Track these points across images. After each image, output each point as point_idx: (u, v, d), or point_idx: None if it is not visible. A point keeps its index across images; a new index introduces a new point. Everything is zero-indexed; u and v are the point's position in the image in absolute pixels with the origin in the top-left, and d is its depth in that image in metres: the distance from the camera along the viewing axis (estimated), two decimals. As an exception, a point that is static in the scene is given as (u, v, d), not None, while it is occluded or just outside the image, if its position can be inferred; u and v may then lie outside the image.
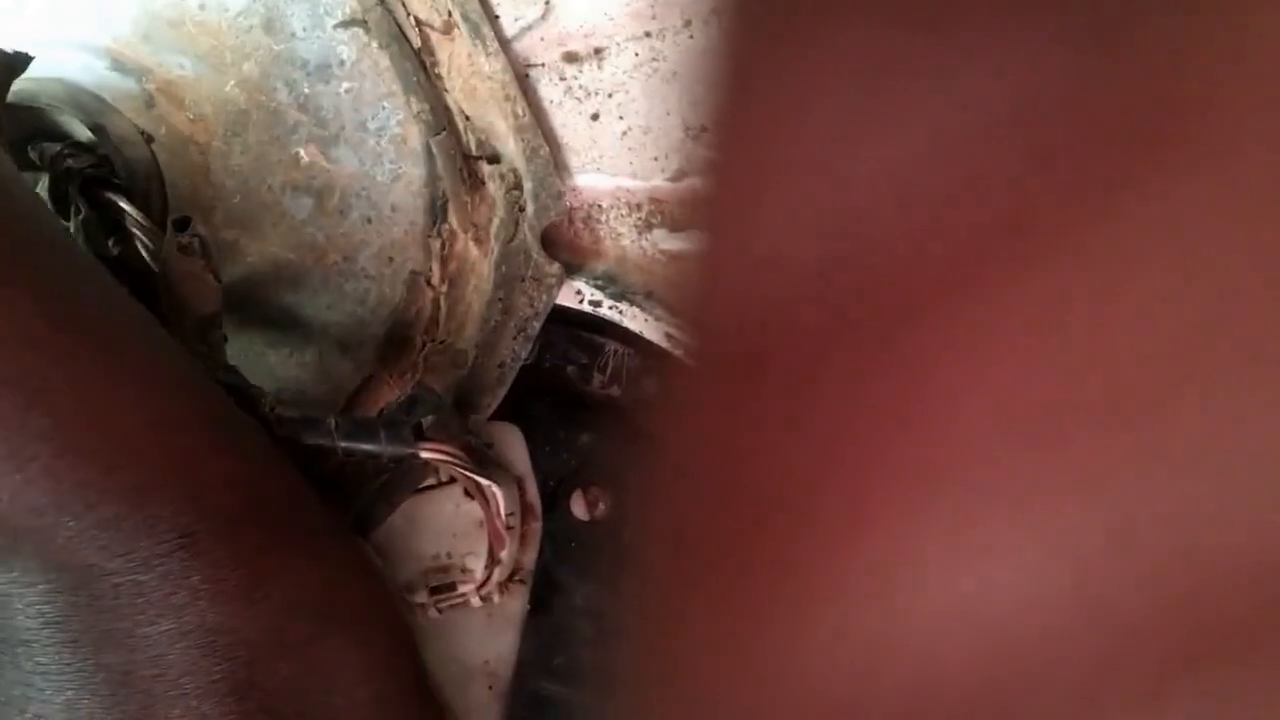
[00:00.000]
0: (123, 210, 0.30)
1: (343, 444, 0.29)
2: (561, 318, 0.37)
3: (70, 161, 0.31)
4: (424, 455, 0.30)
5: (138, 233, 0.30)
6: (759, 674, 0.12)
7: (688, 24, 0.32)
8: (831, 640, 0.12)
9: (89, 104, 0.33)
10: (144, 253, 0.30)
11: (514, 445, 0.38)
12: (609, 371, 0.38)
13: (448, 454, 0.30)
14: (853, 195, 0.12)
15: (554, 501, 0.39)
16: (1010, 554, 0.11)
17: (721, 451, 0.13)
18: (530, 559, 0.40)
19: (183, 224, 0.28)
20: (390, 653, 0.31)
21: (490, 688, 0.40)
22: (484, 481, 0.32)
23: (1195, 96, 0.10)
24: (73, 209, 0.30)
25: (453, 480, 0.34)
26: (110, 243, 0.31)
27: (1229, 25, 0.10)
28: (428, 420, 0.32)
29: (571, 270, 0.34)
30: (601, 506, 0.38)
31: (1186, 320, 0.10)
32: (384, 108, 0.33)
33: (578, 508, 0.38)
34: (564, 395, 0.39)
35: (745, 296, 0.13)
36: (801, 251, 0.12)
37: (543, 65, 0.33)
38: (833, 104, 0.12)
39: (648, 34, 0.32)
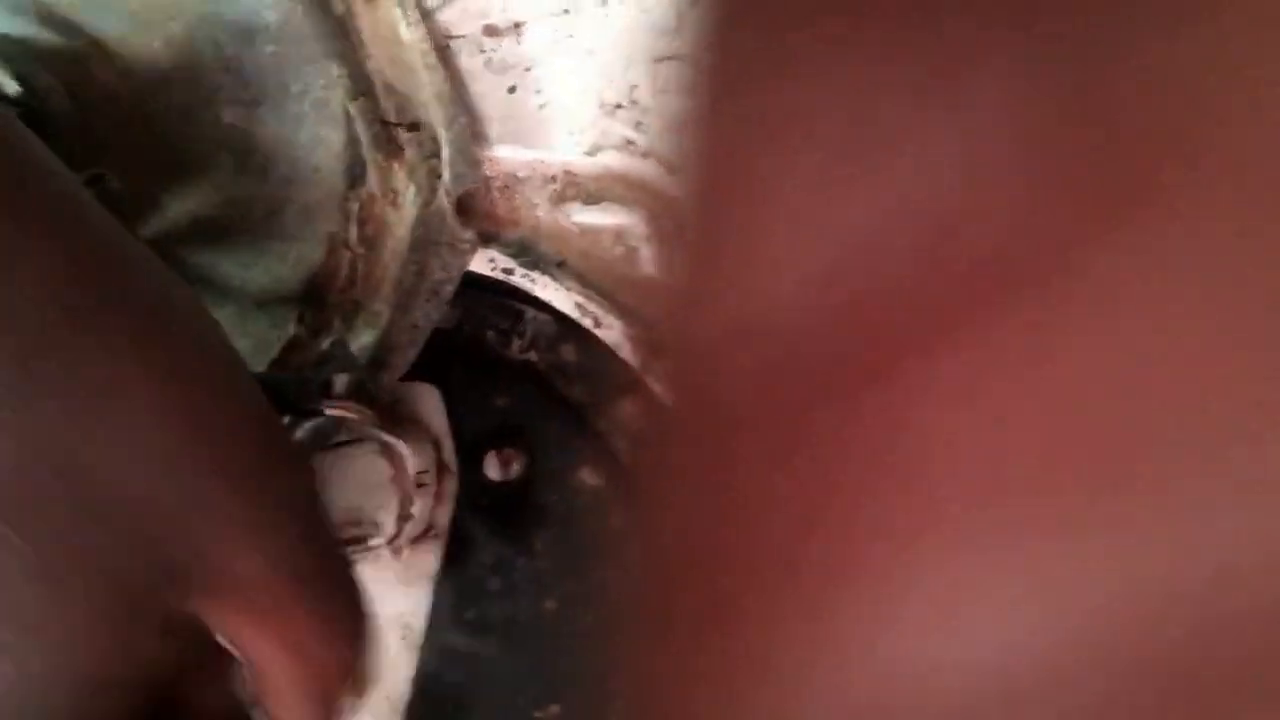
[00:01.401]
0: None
1: (253, 398, 0.30)
2: (481, 284, 0.38)
3: (-6, 112, 0.31)
4: (331, 413, 0.31)
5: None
6: None
7: (604, 2, 0.33)
8: (824, 698, 0.11)
9: (15, 55, 0.33)
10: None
11: (432, 406, 0.39)
12: (527, 337, 0.40)
13: (356, 411, 0.31)
14: (839, 237, 0.12)
15: (469, 461, 0.40)
16: (1003, 601, 0.10)
17: (701, 503, 0.13)
18: (444, 516, 0.41)
19: (94, 179, 0.29)
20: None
21: (403, 638, 0.42)
22: (391, 440, 0.33)
23: (1198, 114, 0.10)
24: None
25: (365, 439, 0.35)
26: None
27: (1230, 39, 0.10)
28: (341, 379, 0.33)
29: (486, 238, 0.35)
30: (515, 467, 0.39)
31: (1186, 356, 0.10)
32: (306, 72, 0.33)
33: (492, 468, 0.39)
34: (483, 359, 0.40)
35: (724, 340, 0.13)
36: (784, 294, 0.12)
37: (463, 37, 0.34)
38: (818, 142, 0.12)
39: (566, 11, 0.33)
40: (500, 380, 0.40)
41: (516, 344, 0.40)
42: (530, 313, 0.40)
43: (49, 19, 0.34)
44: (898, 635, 0.11)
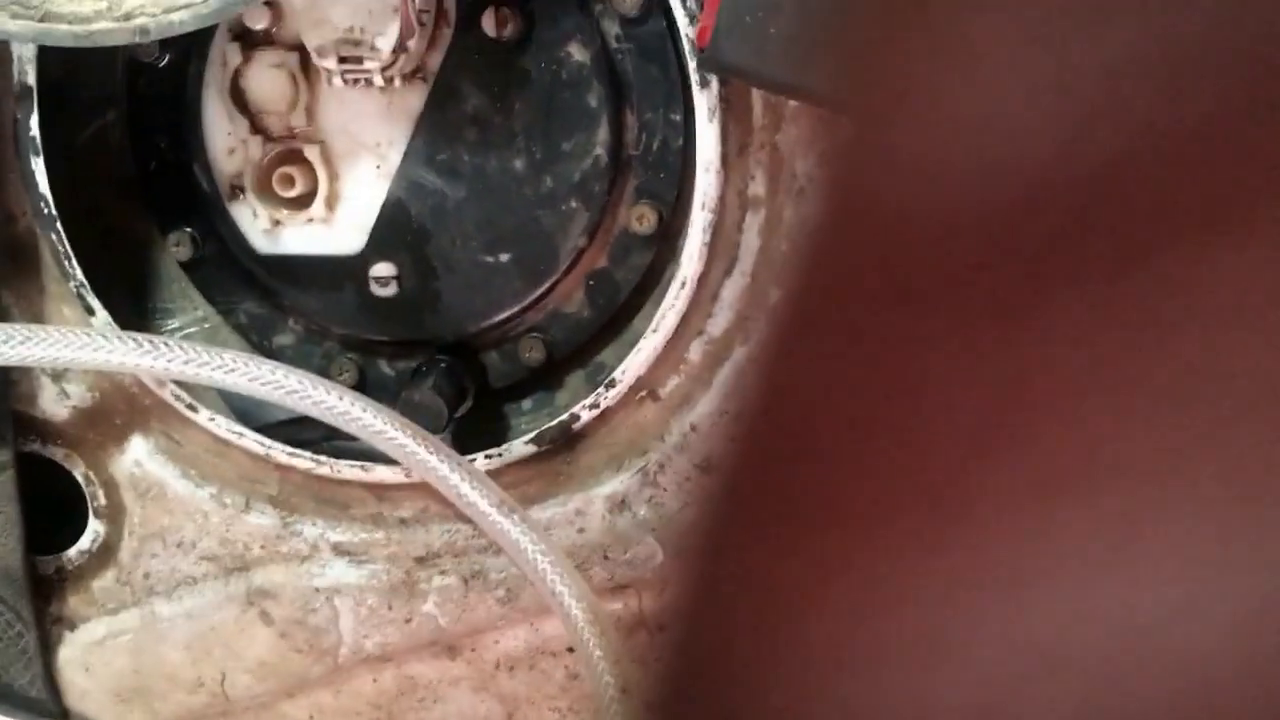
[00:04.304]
0: None
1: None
2: None
3: None
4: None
5: None
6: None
7: None
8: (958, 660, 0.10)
9: None
10: None
11: (442, -49, 0.40)
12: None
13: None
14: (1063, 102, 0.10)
15: (469, 16, 0.41)
16: (1164, 570, 0.09)
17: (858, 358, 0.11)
18: (436, 61, 0.43)
19: None
20: None
21: (378, 167, 0.45)
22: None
23: None
24: None
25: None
26: None
27: None
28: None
29: None
30: (510, 28, 0.41)
31: None
32: None
33: (488, 24, 0.41)
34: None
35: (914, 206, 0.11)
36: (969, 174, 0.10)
37: None
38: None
39: None
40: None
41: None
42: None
43: None
44: (1053, 590, 0.10)
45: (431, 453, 0.38)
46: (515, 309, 0.44)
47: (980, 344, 0.10)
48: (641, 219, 0.42)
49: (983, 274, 0.10)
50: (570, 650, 0.45)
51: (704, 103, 0.38)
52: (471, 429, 0.46)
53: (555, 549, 0.39)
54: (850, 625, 0.11)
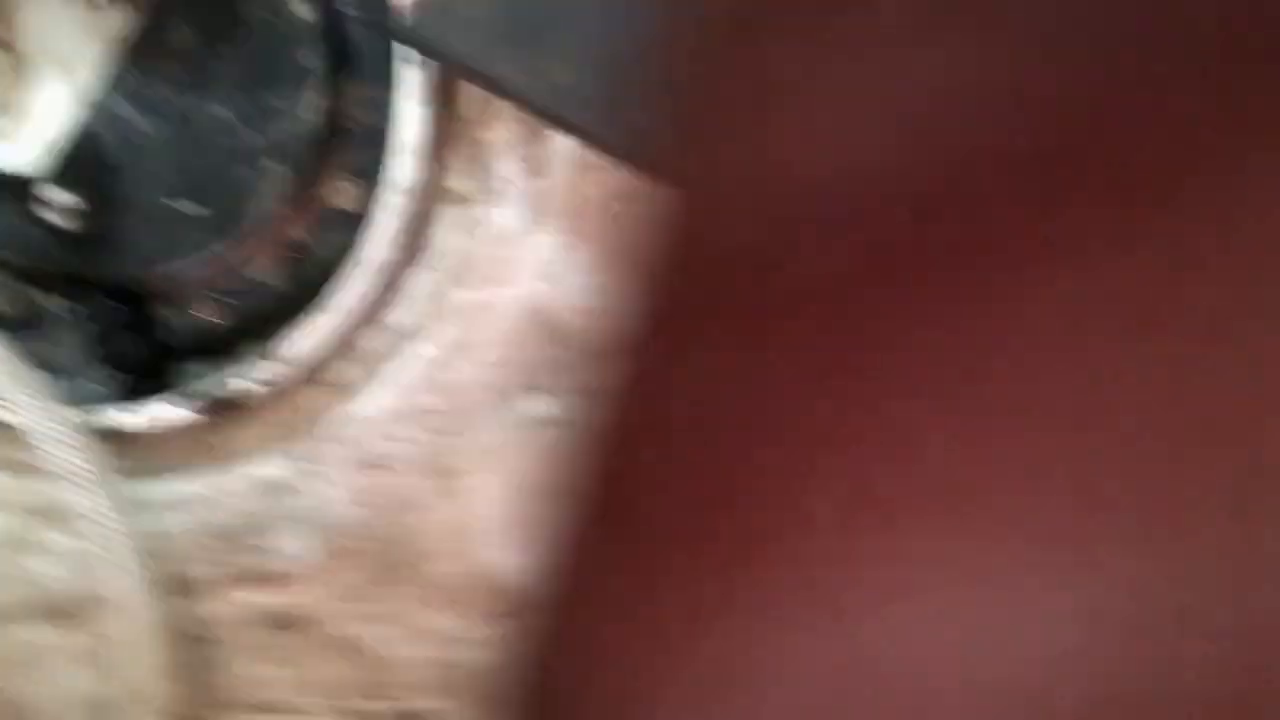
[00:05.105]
0: None
1: None
2: None
3: None
4: None
5: None
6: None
7: None
8: (794, 669, 0.10)
9: None
10: None
11: None
12: None
13: None
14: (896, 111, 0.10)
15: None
16: (995, 594, 0.09)
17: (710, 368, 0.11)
18: (149, -14, 0.40)
19: None
20: None
21: (71, 87, 0.41)
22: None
23: None
24: None
25: None
26: None
27: None
28: None
29: None
30: (233, -32, 0.38)
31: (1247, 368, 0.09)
32: None
33: (209, -42, 0.38)
34: None
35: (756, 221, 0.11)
36: (819, 170, 0.10)
37: None
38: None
39: None
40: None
41: None
42: None
43: None
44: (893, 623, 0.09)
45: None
46: (198, 265, 0.41)
47: (810, 369, 0.10)
48: (346, 195, 0.40)
49: (811, 300, 0.10)
50: (199, 637, 0.43)
51: (411, 81, 0.36)
52: (138, 384, 0.43)
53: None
54: (661, 654, 0.10)
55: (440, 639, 0.41)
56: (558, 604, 0.12)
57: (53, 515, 0.42)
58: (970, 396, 0.09)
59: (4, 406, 0.37)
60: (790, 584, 0.10)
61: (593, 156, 0.35)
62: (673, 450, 0.11)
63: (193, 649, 0.43)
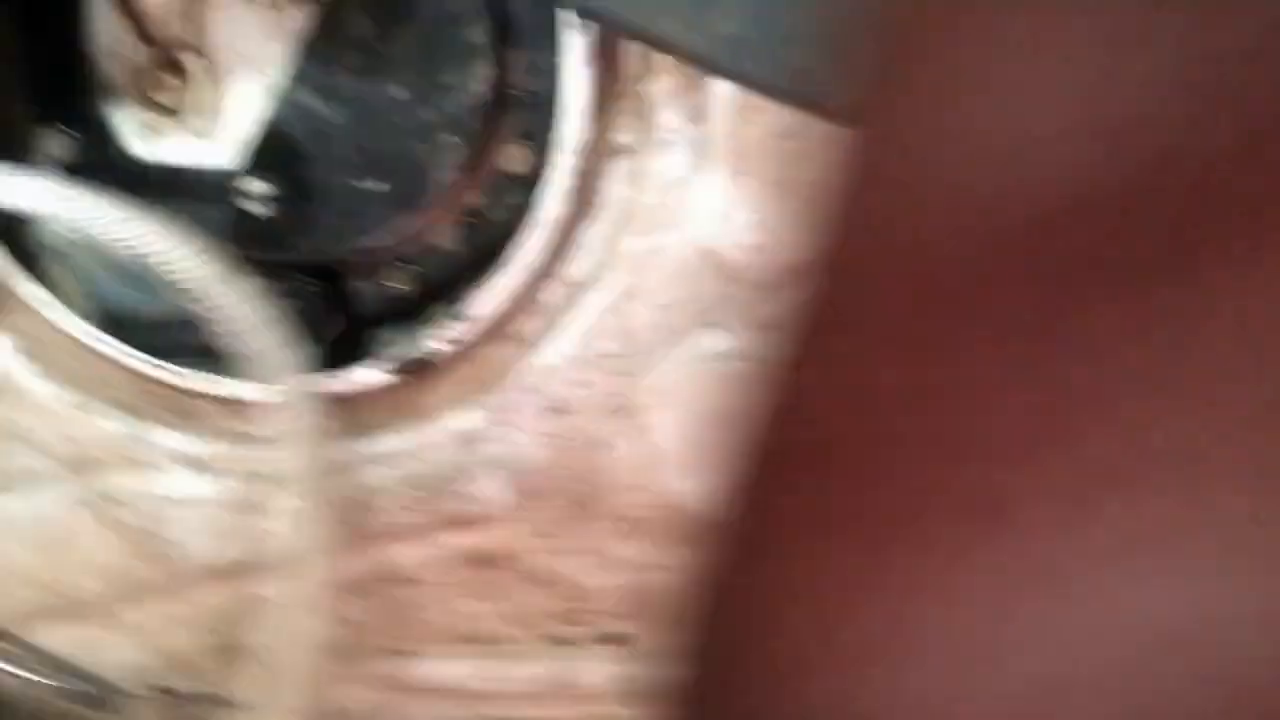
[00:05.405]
0: None
1: None
2: None
3: None
4: None
5: None
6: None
7: None
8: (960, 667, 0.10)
9: None
10: None
11: None
12: None
13: None
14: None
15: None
16: (1205, 576, 0.09)
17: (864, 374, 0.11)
18: (323, -18, 0.43)
19: None
20: None
21: (259, 84, 0.45)
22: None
23: None
24: None
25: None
26: None
27: None
28: None
29: None
30: (399, -42, 0.41)
31: None
32: None
33: (377, -50, 0.41)
34: None
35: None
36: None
37: None
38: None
39: None
40: None
41: None
42: None
43: None
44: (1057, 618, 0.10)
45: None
46: (385, 238, 0.45)
47: (1017, 352, 0.10)
48: (517, 159, 0.43)
49: (1020, 284, 0.10)
50: (410, 580, 0.46)
51: (574, 45, 0.39)
52: (339, 352, 0.47)
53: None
54: (882, 628, 0.11)
55: (632, 567, 0.44)
56: (738, 533, 0.12)
57: (273, 479, 0.46)
58: (1172, 383, 0.10)
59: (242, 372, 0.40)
60: (1006, 567, 0.10)
61: (754, 99, 0.37)
62: (887, 436, 0.11)
63: (405, 591, 0.47)
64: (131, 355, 0.45)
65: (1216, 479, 0.09)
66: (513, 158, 0.43)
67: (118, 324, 0.47)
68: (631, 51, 0.39)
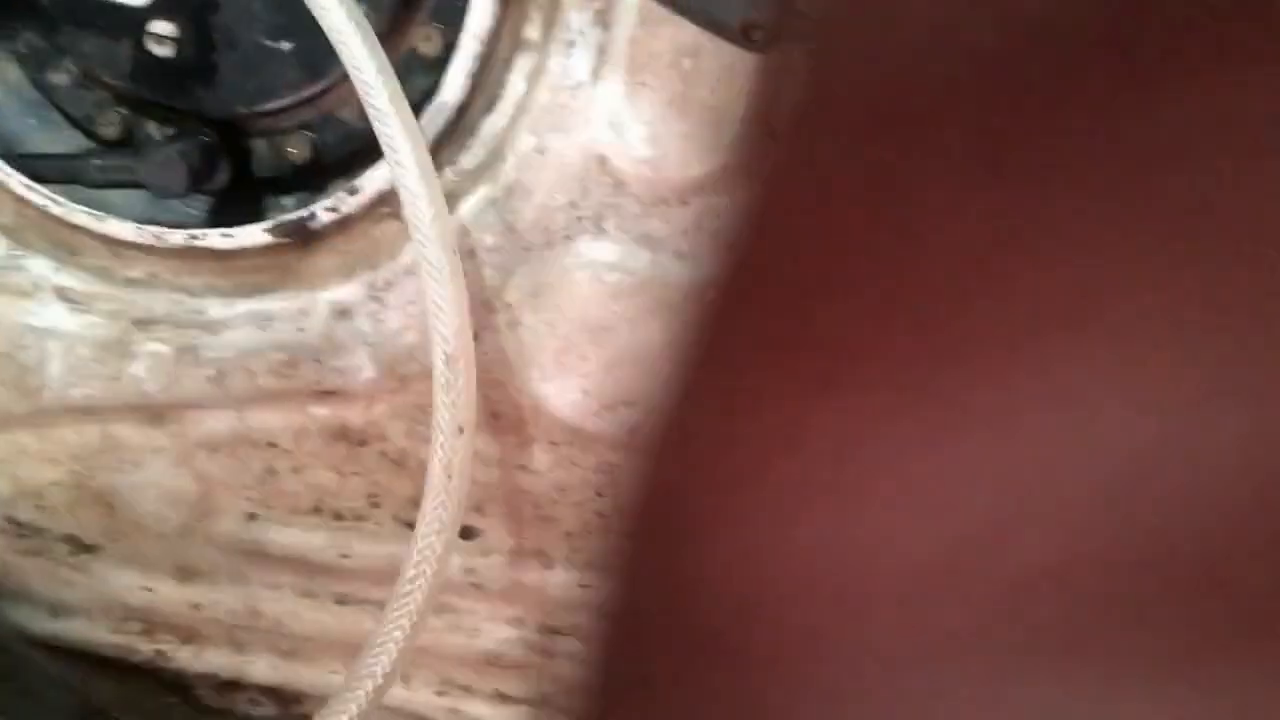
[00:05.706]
0: None
1: None
2: None
3: None
4: None
5: None
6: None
7: None
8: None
9: None
10: None
11: None
12: None
13: None
14: None
15: None
16: (1156, 405, 0.09)
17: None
18: None
19: None
20: None
21: (181, -76, 0.44)
22: None
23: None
24: None
25: None
26: None
27: None
28: None
29: None
30: None
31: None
32: None
33: None
34: None
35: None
36: None
37: None
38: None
39: None
40: None
41: None
42: None
43: None
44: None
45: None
46: (288, 101, 0.44)
47: (972, 176, 0.10)
48: (429, 40, 0.43)
49: (973, 107, 0.10)
50: (271, 445, 0.46)
51: (491, -70, 0.39)
52: (230, 210, 0.46)
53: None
54: (828, 460, 0.10)
55: (490, 461, 0.45)
56: (675, 406, 0.12)
57: (146, 325, 0.46)
58: (1128, 215, 0.09)
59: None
60: (959, 400, 0.10)
61: (660, 11, 0.37)
62: (843, 260, 0.11)
63: (266, 455, 0.47)
64: (17, 179, 0.44)
65: (1167, 314, 0.09)
66: (424, 38, 0.42)
67: (13, 154, 0.46)
68: (549, -55, 0.39)
